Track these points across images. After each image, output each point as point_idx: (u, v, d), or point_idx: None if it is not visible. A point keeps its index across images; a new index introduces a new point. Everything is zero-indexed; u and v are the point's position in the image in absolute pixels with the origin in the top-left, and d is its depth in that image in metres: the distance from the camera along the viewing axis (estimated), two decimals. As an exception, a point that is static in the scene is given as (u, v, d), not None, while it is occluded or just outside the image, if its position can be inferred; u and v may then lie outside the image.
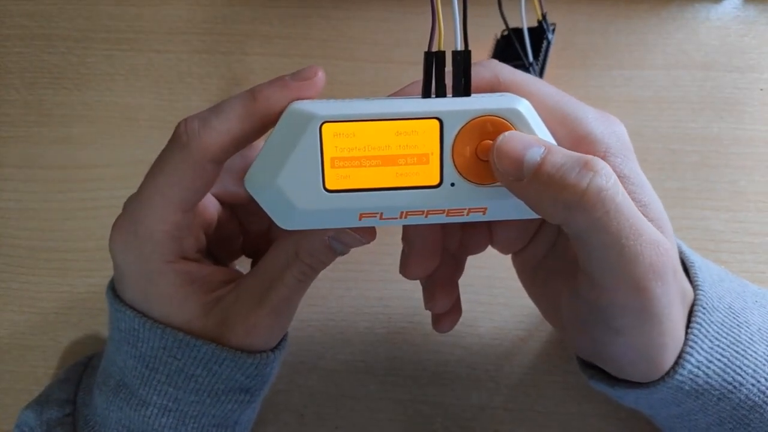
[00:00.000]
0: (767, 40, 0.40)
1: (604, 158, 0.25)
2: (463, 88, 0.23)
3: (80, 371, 0.32)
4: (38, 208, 0.40)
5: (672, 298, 0.24)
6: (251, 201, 0.24)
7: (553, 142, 0.24)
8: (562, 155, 0.22)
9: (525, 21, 0.35)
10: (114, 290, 0.28)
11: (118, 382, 0.28)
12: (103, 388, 0.29)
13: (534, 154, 0.22)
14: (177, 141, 0.24)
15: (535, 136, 0.22)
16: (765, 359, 0.26)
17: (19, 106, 0.41)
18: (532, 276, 0.29)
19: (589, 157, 0.22)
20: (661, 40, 0.40)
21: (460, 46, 0.23)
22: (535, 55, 0.36)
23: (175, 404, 0.27)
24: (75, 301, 0.39)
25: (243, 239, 0.32)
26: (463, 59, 0.23)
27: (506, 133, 0.22)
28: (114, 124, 0.41)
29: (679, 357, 0.26)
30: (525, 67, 0.36)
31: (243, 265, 0.34)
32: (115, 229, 0.26)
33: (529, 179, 0.22)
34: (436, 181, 0.23)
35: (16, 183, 0.40)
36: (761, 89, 0.39)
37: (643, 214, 0.24)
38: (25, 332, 0.39)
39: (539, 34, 0.37)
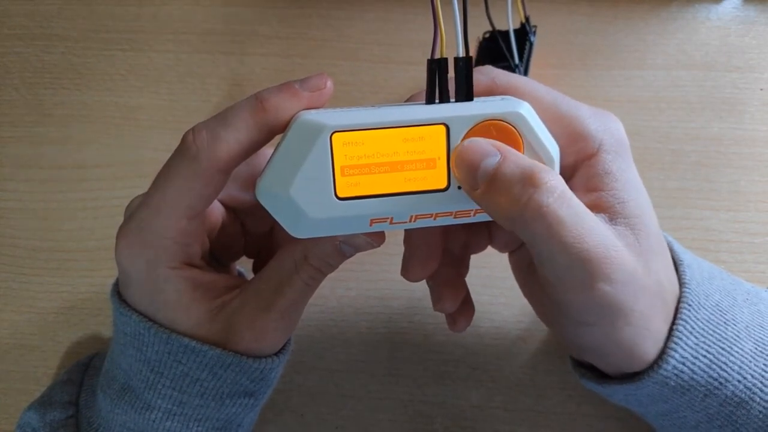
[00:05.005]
0: (767, 40, 0.40)
1: (596, 154, 0.26)
2: (466, 93, 0.23)
3: (82, 372, 0.32)
4: (38, 208, 0.40)
5: (633, 293, 0.24)
6: (255, 205, 0.24)
7: (554, 142, 0.24)
8: (514, 166, 0.22)
9: (511, 23, 0.36)
10: (119, 294, 0.28)
11: (122, 385, 0.28)
12: (107, 391, 0.29)
13: (488, 165, 0.22)
14: (186, 152, 0.24)
15: (495, 142, 0.23)
16: (751, 356, 0.26)
17: (19, 106, 0.41)
18: (525, 274, 0.30)
19: (538, 169, 0.22)
20: (661, 40, 0.40)
21: (461, 53, 0.23)
22: (520, 57, 0.37)
23: (179, 408, 0.27)
24: (75, 301, 0.39)
25: (245, 240, 0.32)
26: (465, 65, 0.23)
27: (466, 142, 0.23)
28: (114, 124, 0.41)
29: (663, 352, 0.26)
30: (511, 69, 0.36)
31: (243, 265, 0.34)
32: (120, 236, 0.26)
33: (482, 189, 0.22)
34: (444, 185, 0.23)
35: (16, 183, 0.40)
36: (761, 89, 0.39)
37: (618, 212, 0.25)
38: (25, 332, 0.39)
39: (522, 35, 0.37)
